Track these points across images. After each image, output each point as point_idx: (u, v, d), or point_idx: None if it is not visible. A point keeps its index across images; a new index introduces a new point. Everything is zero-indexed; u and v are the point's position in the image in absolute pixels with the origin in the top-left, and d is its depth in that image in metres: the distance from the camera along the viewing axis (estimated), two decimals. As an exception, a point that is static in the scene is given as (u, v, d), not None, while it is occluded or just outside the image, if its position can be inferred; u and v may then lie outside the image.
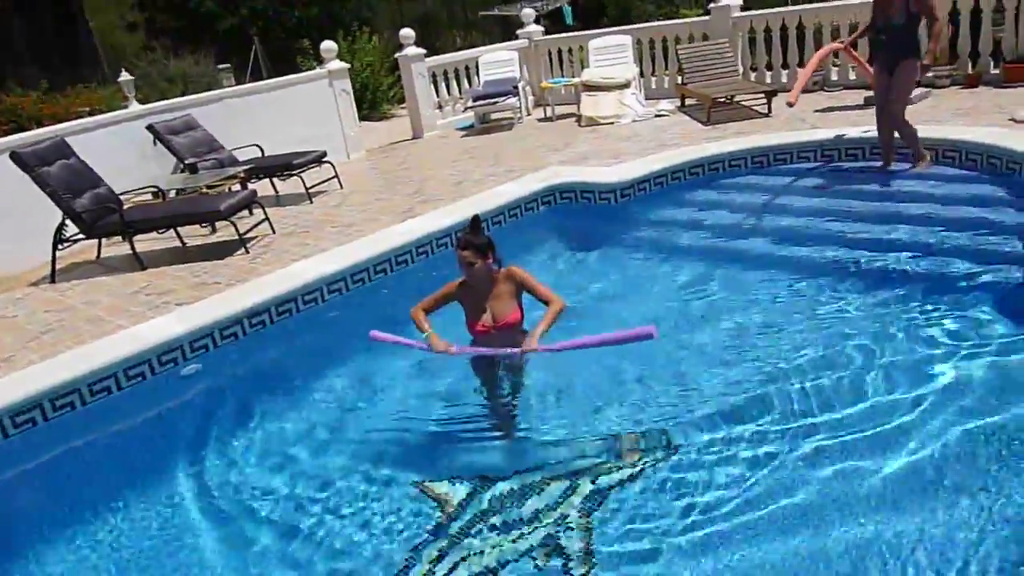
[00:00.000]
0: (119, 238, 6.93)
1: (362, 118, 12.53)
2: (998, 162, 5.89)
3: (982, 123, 6.89)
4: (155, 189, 7.45)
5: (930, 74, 9.16)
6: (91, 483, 3.83)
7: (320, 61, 10.72)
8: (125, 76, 10.18)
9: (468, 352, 3.91)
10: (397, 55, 11.50)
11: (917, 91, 8.54)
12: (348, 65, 10.96)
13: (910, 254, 4.95)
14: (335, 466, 3.66)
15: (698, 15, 15.28)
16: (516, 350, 3.72)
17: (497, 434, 3.87)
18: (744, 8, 10.91)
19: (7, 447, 4.00)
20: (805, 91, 9.91)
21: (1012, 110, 7.14)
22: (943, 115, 7.57)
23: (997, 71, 8.81)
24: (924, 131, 6.62)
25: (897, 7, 6.02)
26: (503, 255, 3.97)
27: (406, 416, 3.99)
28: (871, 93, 8.75)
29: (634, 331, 3.46)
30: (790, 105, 6.70)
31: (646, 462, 3.31)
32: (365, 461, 3.64)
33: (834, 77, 10.06)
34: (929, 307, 4.25)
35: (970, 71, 8.96)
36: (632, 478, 3.21)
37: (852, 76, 9.93)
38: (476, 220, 3.98)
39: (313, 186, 8.34)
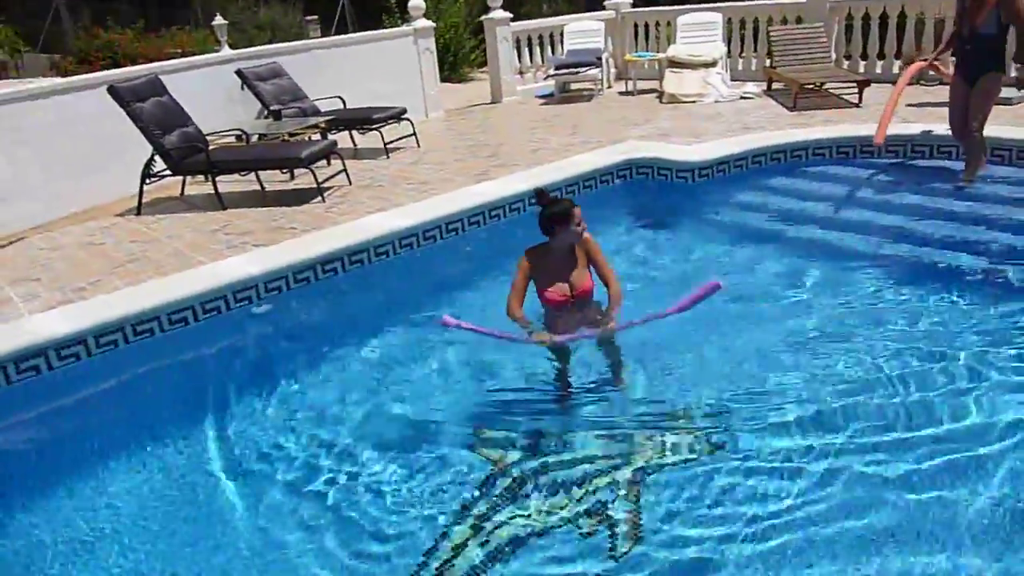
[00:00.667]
0: (203, 177, 7.16)
1: (443, 79, 12.56)
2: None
3: (1089, 129, 6.54)
4: (239, 132, 7.65)
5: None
6: (164, 404, 4.03)
7: (405, 19, 10.76)
8: (219, 20, 10.42)
9: (566, 340, 3.74)
10: (483, 18, 11.47)
11: (1018, 92, 8.16)
12: (433, 24, 10.98)
13: (998, 261, 4.77)
14: (388, 418, 3.75)
15: (794, -3, 14.79)
16: (599, 330, 3.69)
17: (554, 405, 3.88)
18: (843, -8, 10.51)
19: (89, 365, 4.21)
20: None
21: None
22: (1047, 118, 7.20)
23: (1111, 76, 8.30)
24: (1017, 133, 6.32)
25: (985, 16, 5.60)
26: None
27: (466, 378, 4.05)
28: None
29: (701, 290, 3.46)
30: (876, 146, 6.14)
31: (703, 453, 3.28)
32: (420, 416, 3.72)
33: (930, 72, 9.63)
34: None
35: (1081, 74, 8.47)
36: (688, 465, 3.19)
37: (950, 70, 9.48)
38: (541, 192, 3.85)
39: (391, 142, 8.44)
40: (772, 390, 3.65)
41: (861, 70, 10.10)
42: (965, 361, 3.72)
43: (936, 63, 6.42)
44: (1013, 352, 3.76)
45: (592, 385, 3.90)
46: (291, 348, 4.54)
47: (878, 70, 10.06)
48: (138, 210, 6.87)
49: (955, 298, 4.39)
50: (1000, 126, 6.68)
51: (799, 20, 10.61)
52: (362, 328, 4.68)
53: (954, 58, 6.14)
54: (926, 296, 4.46)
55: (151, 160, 6.92)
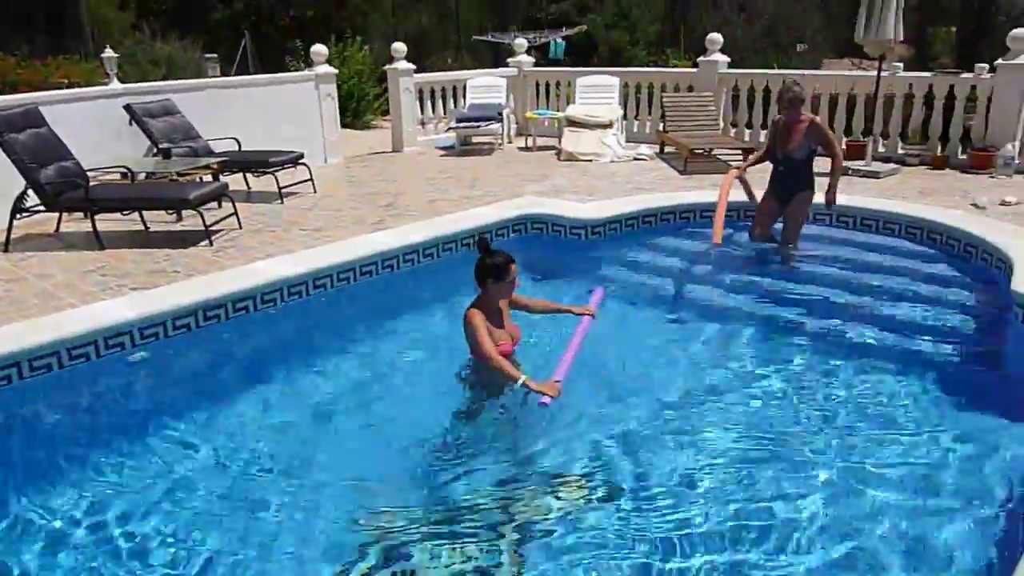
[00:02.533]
0: (81, 214, 6.80)
1: (344, 125, 12.51)
2: (956, 244, 6.07)
3: (944, 204, 7.11)
4: (124, 169, 7.33)
5: (901, 151, 9.50)
6: (16, 458, 3.72)
7: (309, 63, 10.69)
8: (109, 53, 10.07)
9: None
10: (386, 67, 11.52)
11: (887, 166, 8.84)
12: (336, 71, 10.95)
13: (858, 321, 5.09)
14: (263, 477, 3.56)
15: (687, 66, 15.63)
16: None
17: (439, 465, 3.79)
18: (732, 66, 11.16)
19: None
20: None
21: (974, 195, 7.39)
22: (908, 192, 7.80)
23: (964, 156, 9.11)
24: (890, 206, 6.82)
25: (798, 141, 5.99)
26: (472, 278, 4.01)
27: (351, 434, 3.93)
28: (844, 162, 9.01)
29: (583, 324, 3.94)
30: (716, 246, 6.01)
31: (588, 506, 3.29)
32: (297, 476, 3.55)
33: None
34: (868, 370, 4.39)
35: (939, 153, 9.26)
36: (571, 519, 3.19)
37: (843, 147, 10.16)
38: (484, 241, 4.08)
39: (287, 186, 8.28)
40: (654, 447, 3.71)
41: (747, 138, 10.69)
42: (834, 418, 3.91)
43: (745, 179, 6.56)
44: (877, 411, 3.99)
45: (480, 446, 3.85)
46: (164, 400, 4.29)
47: (761, 139, 10.66)
48: (5, 246, 6.45)
49: (823, 357, 4.63)
50: (866, 197, 7.20)
51: (691, 88, 11.17)
52: (242, 380, 4.49)
53: (770, 178, 6.39)
54: (796, 354, 4.68)
55: (24, 194, 6.53)
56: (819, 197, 6.23)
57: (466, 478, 3.50)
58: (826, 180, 6.16)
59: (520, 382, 3.62)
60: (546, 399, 3.52)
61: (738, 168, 6.54)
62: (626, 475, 3.49)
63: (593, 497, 3.38)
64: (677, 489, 3.38)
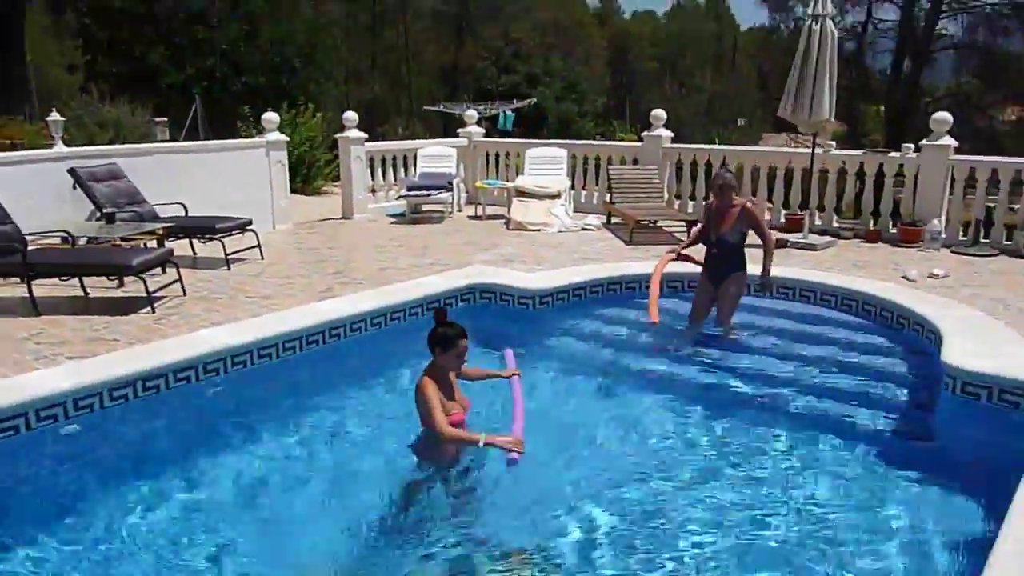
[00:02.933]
0: (17, 279, 6.62)
1: (294, 190, 12.53)
2: (889, 315, 6.31)
3: (878, 277, 7.39)
4: (65, 234, 7.19)
5: (836, 224, 9.89)
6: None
7: (260, 129, 10.74)
8: (55, 116, 9.96)
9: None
10: (337, 135, 11.64)
11: (823, 239, 9.18)
12: (287, 138, 11.02)
13: (795, 390, 5.25)
14: (198, 562, 3.44)
15: (632, 137, 16.13)
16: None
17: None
18: (675, 141, 11.57)
19: None
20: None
21: (905, 268, 7.71)
22: (843, 264, 8.09)
23: (895, 230, 9.53)
24: (826, 278, 7.06)
25: (730, 224, 6.11)
26: (421, 347, 4.02)
27: (292, 512, 3.85)
28: (782, 235, 9.35)
29: (515, 383, 4.20)
30: (654, 325, 6.09)
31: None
32: (232, 560, 3.45)
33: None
34: (800, 439, 4.52)
35: (871, 227, 9.67)
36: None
37: (767, 217, 10.54)
38: (440, 311, 4.12)
39: (233, 253, 8.21)
40: (597, 518, 3.71)
41: (690, 210, 11.01)
42: (769, 485, 3.97)
43: (686, 253, 6.56)
44: (812, 479, 4.06)
45: (429, 522, 3.80)
46: (96, 475, 4.14)
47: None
48: (-65, 312, 6.23)
49: (759, 427, 4.72)
50: (804, 269, 7.45)
51: (636, 161, 11.52)
52: (178, 454, 4.36)
53: (705, 262, 6.43)
54: (733, 425, 4.76)
55: (-43, 258, 6.34)
56: (754, 269, 6.40)
57: (414, 558, 3.44)
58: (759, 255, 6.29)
59: (482, 442, 3.66)
60: (514, 455, 3.57)
61: (673, 252, 6.55)
62: (569, 548, 3.47)
63: (538, 572, 3.34)
64: (617, 559, 3.37)
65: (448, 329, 3.99)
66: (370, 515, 3.73)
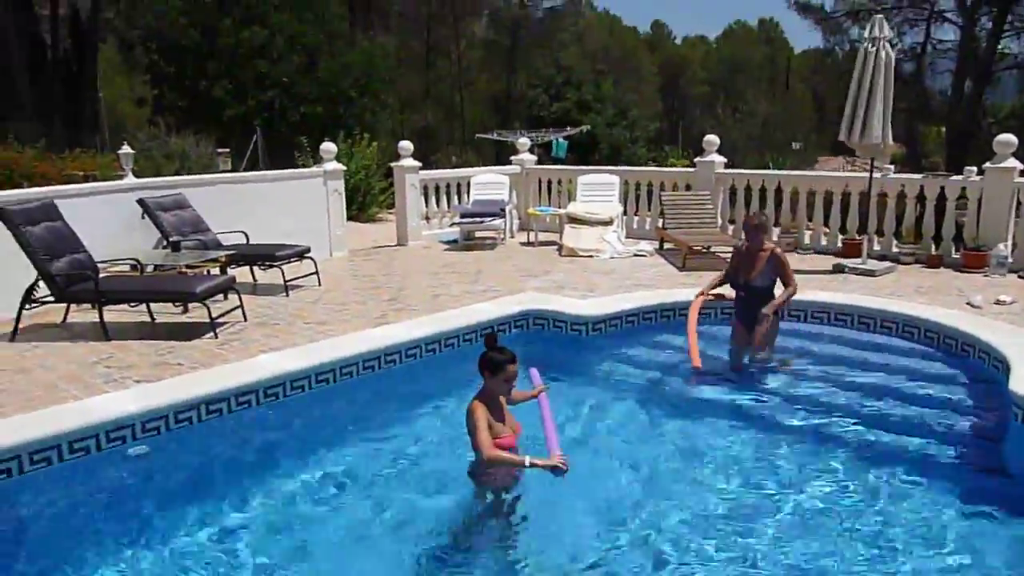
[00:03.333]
0: (89, 305, 6.90)
1: (350, 217, 12.78)
2: (953, 343, 6.13)
3: (941, 303, 7.20)
4: (134, 262, 7.48)
5: (896, 249, 9.68)
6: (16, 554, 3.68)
7: (317, 159, 11.03)
8: (126, 149, 10.42)
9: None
10: (393, 164, 11.88)
11: (882, 264, 8.98)
12: (344, 167, 11.29)
13: (856, 421, 5.12)
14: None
15: (685, 165, 16.07)
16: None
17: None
18: (728, 166, 11.50)
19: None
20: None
21: (969, 294, 7.50)
22: (904, 291, 7.91)
23: (958, 255, 9.27)
24: (886, 304, 6.91)
25: (759, 269, 6.00)
26: (474, 372, 4.07)
27: (351, 541, 3.89)
28: (840, 260, 9.18)
29: (544, 401, 4.11)
30: (697, 369, 5.81)
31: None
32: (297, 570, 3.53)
33: (807, 241, 10.51)
34: (866, 470, 4.40)
35: (933, 252, 9.43)
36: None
37: (824, 241, 10.39)
38: (491, 336, 4.14)
39: (292, 279, 8.42)
40: (652, 548, 3.68)
41: (744, 236, 10.89)
42: (833, 517, 3.89)
43: (716, 292, 6.35)
44: (877, 512, 3.96)
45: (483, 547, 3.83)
46: (164, 496, 4.27)
47: (759, 237, 10.87)
48: (12, 336, 6.52)
49: (820, 458, 4.62)
50: (863, 295, 7.31)
51: (688, 187, 11.48)
52: (242, 476, 4.47)
53: (735, 305, 6.31)
54: (793, 455, 4.67)
55: (34, 285, 6.65)
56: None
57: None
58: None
59: (528, 463, 3.71)
60: (560, 470, 3.64)
61: (701, 295, 6.31)
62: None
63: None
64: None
65: (497, 354, 4.02)
66: (425, 541, 3.76)
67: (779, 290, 6.07)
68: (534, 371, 4.75)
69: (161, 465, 4.49)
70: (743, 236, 6.27)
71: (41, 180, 13.26)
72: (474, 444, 3.90)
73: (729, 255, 9.61)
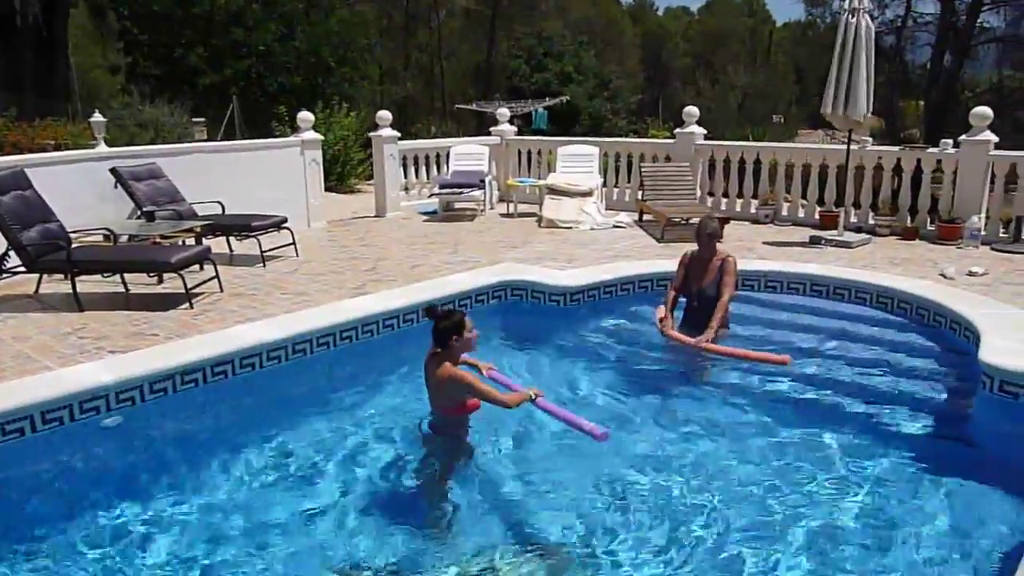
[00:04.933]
0: (61, 276, 6.81)
1: (328, 188, 12.68)
2: (925, 313, 6.21)
3: (915, 274, 7.29)
4: (107, 232, 7.37)
5: (872, 221, 9.75)
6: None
7: (295, 128, 10.90)
8: (98, 117, 10.22)
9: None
10: (371, 134, 11.76)
11: (858, 236, 9.06)
12: (322, 137, 11.16)
13: (827, 389, 5.21)
14: (230, 554, 3.52)
15: (665, 135, 16.05)
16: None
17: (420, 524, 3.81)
18: (708, 138, 11.50)
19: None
20: (755, 222, 10.42)
21: (943, 265, 7.58)
22: (879, 262, 7.98)
23: (933, 227, 9.36)
24: (859, 275, 6.98)
25: (712, 276, 5.89)
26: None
27: (324, 507, 3.91)
28: (816, 232, 9.25)
29: (588, 425, 3.85)
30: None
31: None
32: (264, 555, 3.52)
33: (784, 213, 10.57)
34: (839, 439, 4.47)
35: (908, 224, 9.52)
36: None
37: (801, 213, 10.45)
38: (431, 308, 4.29)
39: (269, 250, 8.35)
40: (626, 519, 3.73)
41: (723, 207, 10.94)
42: (798, 482, 3.95)
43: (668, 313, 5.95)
44: (842, 476, 4.03)
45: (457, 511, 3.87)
46: (137, 466, 4.26)
47: (737, 208, 10.93)
48: (-17, 308, 6.43)
49: (792, 425, 4.69)
50: (838, 266, 7.38)
51: (668, 159, 11.47)
52: (217, 446, 4.46)
53: (685, 314, 6.13)
54: (773, 428, 4.73)
55: (5, 255, 6.55)
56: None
57: (447, 550, 3.51)
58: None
59: (533, 395, 4.04)
60: (601, 431, 3.81)
61: (663, 309, 5.92)
62: (602, 541, 3.50)
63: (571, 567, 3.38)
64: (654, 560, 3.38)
65: (453, 317, 4.20)
66: (405, 507, 3.83)
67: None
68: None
69: (135, 436, 4.47)
70: (696, 243, 6.01)
71: (12, 149, 13.00)
72: (483, 400, 4.09)
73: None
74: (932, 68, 28.36)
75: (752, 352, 5.52)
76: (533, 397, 4.03)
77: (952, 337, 5.82)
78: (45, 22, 27.32)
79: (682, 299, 6.15)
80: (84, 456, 4.32)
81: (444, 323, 4.14)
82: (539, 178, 12.15)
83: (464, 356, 4.44)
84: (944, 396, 5.16)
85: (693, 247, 6.11)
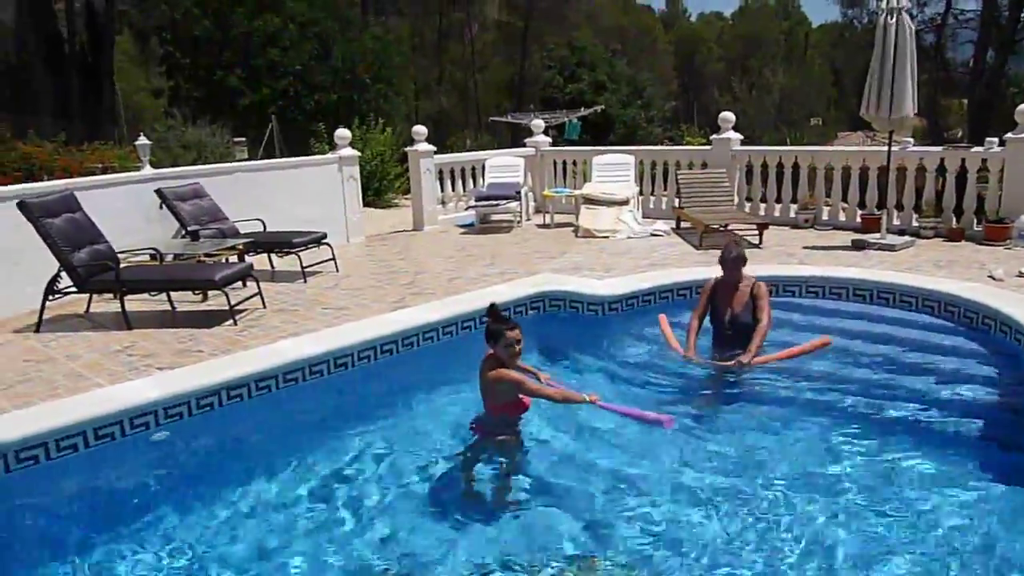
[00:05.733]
0: (111, 295, 6.99)
1: (366, 203, 12.83)
2: (974, 317, 6.07)
3: (961, 276, 7.12)
4: (154, 251, 7.56)
5: (916, 223, 9.56)
6: (45, 539, 3.77)
7: (333, 145, 11.06)
8: (143, 140, 10.45)
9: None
10: (407, 149, 11.88)
11: (902, 239, 8.88)
12: (359, 153, 11.31)
13: (877, 397, 5.07)
14: (282, 555, 3.58)
15: (701, 143, 15.93)
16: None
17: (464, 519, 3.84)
18: (745, 143, 11.39)
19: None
20: (795, 227, 10.29)
21: (991, 267, 7.40)
22: (924, 265, 7.82)
23: (979, 228, 9.15)
24: (906, 279, 6.85)
25: (743, 303, 5.67)
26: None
27: (365, 519, 3.95)
28: (859, 236, 9.10)
29: (651, 416, 4.09)
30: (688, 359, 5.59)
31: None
32: (318, 552, 3.58)
33: (825, 217, 10.42)
34: (887, 446, 4.39)
35: (954, 225, 9.31)
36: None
37: (842, 217, 10.29)
38: (493, 306, 4.42)
39: (310, 266, 8.47)
40: (667, 531, 3.71)
41: (761, 213, 10.82)
42: (848, 493, 3.88)
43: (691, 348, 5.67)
44: (897, 488, 3.95)
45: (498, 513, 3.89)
46: (187, 480, 4.35)
47: (776, 213, 10.80)
48: (37, 327, 6.63)
49: (842, 433, 4.60)
50: (882, 270, 7.24)
51: (704, 165, 11.39)
52: (265, 459, 4.53)
53: (716, 340, 5.87)
54: (815, 430, 4.65)
55: (56, 276, 6.74)
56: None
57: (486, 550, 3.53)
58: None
59: (587, 398, 4.16)
60: (667, 420, 4.13)
61: (688, 351, 5.62)
62: (640, 557, 3.47)
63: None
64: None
65: (493, 323, 4.26)
66: (445, 512, 3.88)
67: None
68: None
69: (183, 449, 4.56)
70: (721, 269, 5.81)
71: (62, 173, 13.40)
72: (528, 395, 4.21)
73: (746, 233, 9.59)
74: (975, 66, 27.74)
75: (794, 349, 5.54)
76: (588, 400, 4.16)
77: (1002, 340, 5.67)
78: (91, 48, 28.19)
79: (707, 324, 5.89)
80: (134, 469, 4.41)
81: (490, 325, 4.28)
82: (575, 188, 12.15)
83: (524, 364, 4.53)
84: (996, 400, 5.02)
85: (717, 273, 5.90)
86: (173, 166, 12.93)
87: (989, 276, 7.15)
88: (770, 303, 5.72)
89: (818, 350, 5.54)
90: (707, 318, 5.89)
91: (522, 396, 4.26)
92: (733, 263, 5.78)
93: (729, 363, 5.39)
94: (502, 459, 4.32)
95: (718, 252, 5.99)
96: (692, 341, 5.65)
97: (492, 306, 4.41)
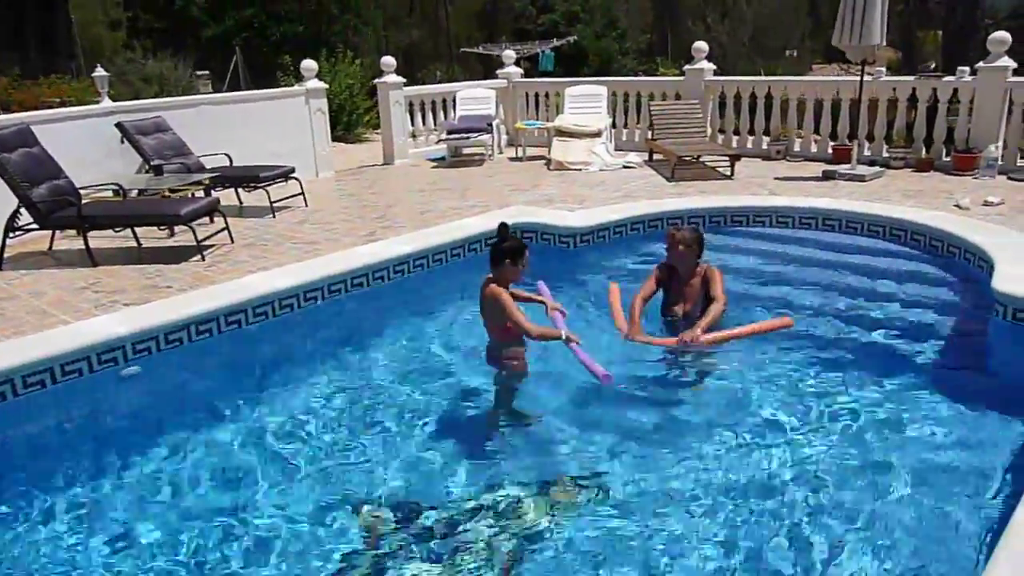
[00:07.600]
0: (74, 232, 6.85)
1: (336, 139, 12.60)
2: (939, 245, 6.15)
3: (929, 206, 7.20)
4: (116, 187, 7.39)
5: (886, 154, 9.60)
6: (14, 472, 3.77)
7: (299, 78, 10.79)
8: (100, 72, 10.15)
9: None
10: (376, 81, 11.62)
11: (871, 169, 8.92)
12: (326, 85, 11.04)
13: (843, 322, 5.18)
14: (255, 492, 3.59)
15: (675, 74, 15.76)
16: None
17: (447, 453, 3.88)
18: (718, 74, 11.28)
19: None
20: (767, 158, 10.29)
21: (958, 197, 7.48)
22: (893, 195, 7.88)
23: (948, 158, 9.21)
24: (874, 208, 6.90)
25: (696, 294, 4.96)
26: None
27: (342, 446, 3.98)
28: (830, 167, 9.12)
29: (599, 370, 3.86)
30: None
31: (580, 511, 3.34)
32: (290, 487, 3.61)
33: (797, 148, 10.41)
34: (852, 369, 4.49)
35: (923, 155, 9.36)
36: (562, 525, 3.23)
37: (814, 148, 10.30)
38: (504, 226, 4.27)
39: (278, 200, 8.34)
40: (643, 456, 3.78)
41: (734, 145, 10.79)
42: (817, 415, 3.98)
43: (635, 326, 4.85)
44: (859, 409, 4.05)
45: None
46: (156, 415, 4.34)
47: (748, 145, 10.78)
48: (-1, 265, 6.50)
49: (805, 357, 4.69)
50: (851, 200, 7.29)
51: (678, 96, 11.28)
52: (235, 393, 4.53)
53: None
54: (789, 361, 4.73)
55: (16, 213, 6.58)
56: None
57: (463, 478, 3.60)
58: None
59: (563, 335, 4.01)
60: (607, 375, 3.85)
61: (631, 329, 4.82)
62: (615, 481, 3.55)
63: (582, 500, 3.43)
64: (665, 498, 3.43)
65: (515, 240, 4.18)
66: (441, 435, 3.96)
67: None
68: (542, 285, 4.79)
69: (153, 385, 4.54)
70: (669, 255, 5.01)
71: (18, 108, 13.00)
72: (513, 325, 4.08)
73: (718, 164, 9.56)
74: (950, -5, 27.48)
75: (753, 326, 4.89)
76: (564, 339, 4.00)
77: (966, 267, 5.77)
78: (44, -22, 26.98)
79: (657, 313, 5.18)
80: (103, 405, 4.40)
81: (508, 243, 4.16)
82: (547, 120, 12.01)
83: (534, 295, 4.52)
84: (959, 326, 5.13)
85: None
86: (134, 100, 12.55)
87: (955, 205, 7.23)
88: (723, 285, 4.92)
89: (780, 329, 4.84)
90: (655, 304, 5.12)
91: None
92: (688, 247, 4.89)
93: (673, 340, 4.73)
94: (505, 384, 4.35)
95: (690, 184, 5.94)
96: (636, 317, 4.83)
97: (503, 225, 4.24)
